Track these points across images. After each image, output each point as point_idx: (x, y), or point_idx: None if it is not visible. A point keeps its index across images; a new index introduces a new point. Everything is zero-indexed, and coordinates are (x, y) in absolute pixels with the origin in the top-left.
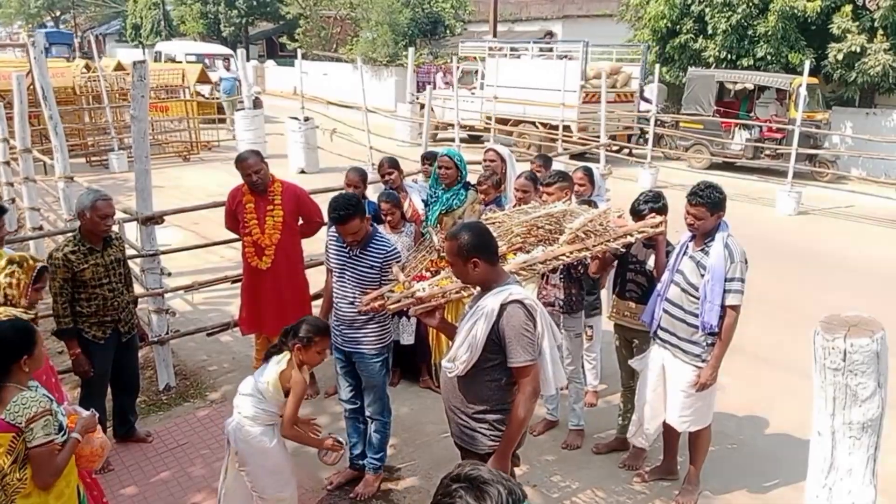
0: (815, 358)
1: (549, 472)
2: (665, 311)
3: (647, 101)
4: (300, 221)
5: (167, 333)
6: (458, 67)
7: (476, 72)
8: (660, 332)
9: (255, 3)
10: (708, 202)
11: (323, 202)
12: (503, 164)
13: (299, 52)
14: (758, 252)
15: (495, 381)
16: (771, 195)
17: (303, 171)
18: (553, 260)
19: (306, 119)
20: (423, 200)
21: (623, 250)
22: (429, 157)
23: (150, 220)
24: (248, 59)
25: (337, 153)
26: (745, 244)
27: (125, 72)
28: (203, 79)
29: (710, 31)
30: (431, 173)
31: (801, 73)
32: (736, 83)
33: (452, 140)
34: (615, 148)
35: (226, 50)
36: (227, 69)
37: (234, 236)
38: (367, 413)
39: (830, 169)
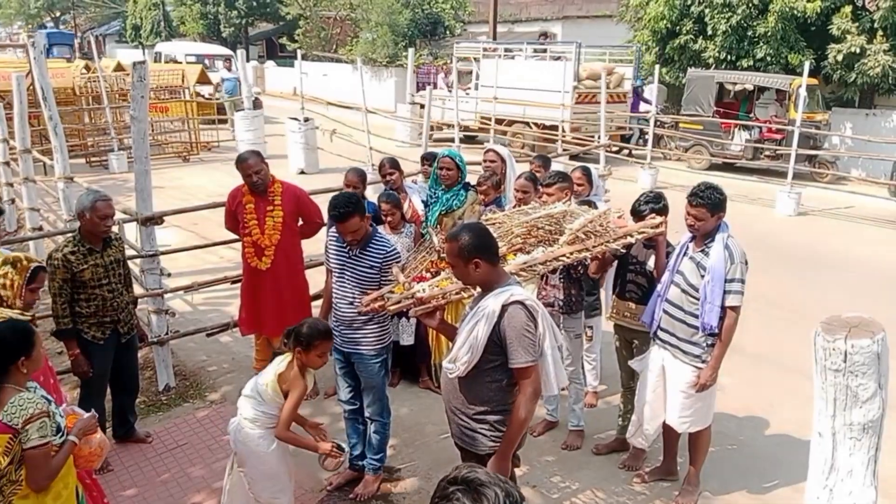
0: (816, 359)
1: (549, 472)
2: (665, 311)
3: (646, 101)
4: (300, 222)
5: (167, 334)
6: (454, 68)
7: (471, 72)
8: (660, 333)
9: (254, 3)
10: (708, 203)
11: (323, 203)
12: (503, 165)
13: (299, 52)
14: (758, 253)
15: (496, 381)
16: (770, 196)
17: (302, 172)
18: (553, 261)
19: (306, 120)
20: (422, 201)
21: (623, 251)
22: (428, 158)
23: (150, 221)
24: (247, 60)
25: (337, 154)
26: (745, 245)
27: (125, 72)
28: (203, 79)
29: (709, 32)
30: (431, 174)
31: (800, 74)
32: (735, 84)
33: (449, 140)
34: (615, 149)
35: (226, 51)
36: (229, 70)
37: (234, 237)
38: (367, 414)
39: (830, 170)
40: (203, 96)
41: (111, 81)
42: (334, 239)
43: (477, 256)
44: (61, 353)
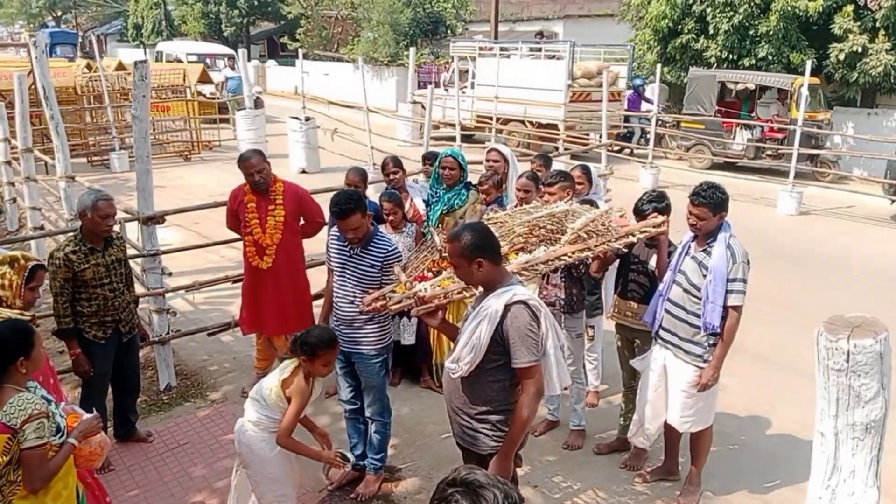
0: (819, 359)
1: (551, 472)
2: (667, 311)
3: (648, 101)
4: (301, 221)
5: (168, 333)
6: (453, 67)
7: (467, 71)
8: (661, 333)
9: (256, 2)
10: (710, 202)
11: (324, 202)
12: (506, 165)
13: (300, 51)
14: (759, 252)
15: (499, 381)
16: (772, 195)
17: (304, 171)
18: (555, 260)
19: (307, 119)
20: (423, 201)
21: (625, 250)
22: (430, 158)
23: (152, 220)
24: (249, 59)
25: (338, 153)
26: (747, 244)
27: (126, 72)
28: (204, 79)
29: (711, 31)
30: (432, 173)
31: (802, 74)
32: (737, 83)
33: (446, 139)
34: (615, 148)
35: (227, 50)
36: (233, 68)
37: (235, 236)
38: (367, 414)
39: (832, 169)
40: (204, 95)
41: (112, 81)
42: (335, 238)
43: (480, 256)
44: (62, 352)
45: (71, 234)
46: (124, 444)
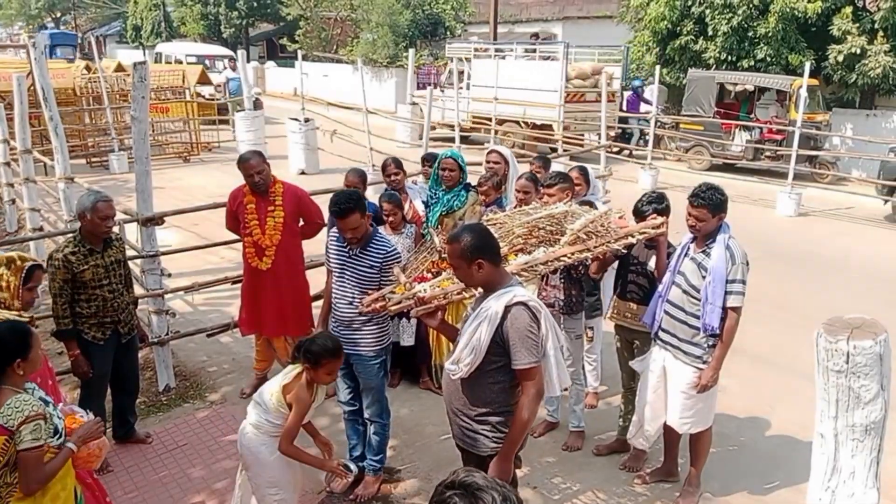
0: (818, 360)
1: (550, 473)
2: (666, 312)
3: (647, 102)
4: (301, 222)
5: (167, 334)
6: (453, 68)
7: (462, 72)
8: (661, 334)
9: (255, 4)
10: (710, 203)
11: (323, 203)
12: (506, 166)
13: (299, 53)
14: (758, 254)
15: (499, 383)
16: (771, 196)
17: (303, 173)
18: (554, 261)
19: (307, 120)
20: (422, 202)
21: (624, 251)
22: (429, 159)
23: (151, 221)
24: (248, 61)
25: (337, 154)
26: (746, 246)
27: (125, 73)
28: (203, 80)
29: (710, 33)
30: (431, 174)
31: (801, 75)
32: (736, 84)
33: (443, 140)
34: (614, 149)
35: (227, 51)
36: (234, 70)
37: (234, 237)
38: (366, 415)
39: (831, 170)
40: (203, 97)
41: (112, 82)
42: (335, 239)
43: (480, 257)
44: (61, 353)
45: (70, 235)
46: (123, 446)
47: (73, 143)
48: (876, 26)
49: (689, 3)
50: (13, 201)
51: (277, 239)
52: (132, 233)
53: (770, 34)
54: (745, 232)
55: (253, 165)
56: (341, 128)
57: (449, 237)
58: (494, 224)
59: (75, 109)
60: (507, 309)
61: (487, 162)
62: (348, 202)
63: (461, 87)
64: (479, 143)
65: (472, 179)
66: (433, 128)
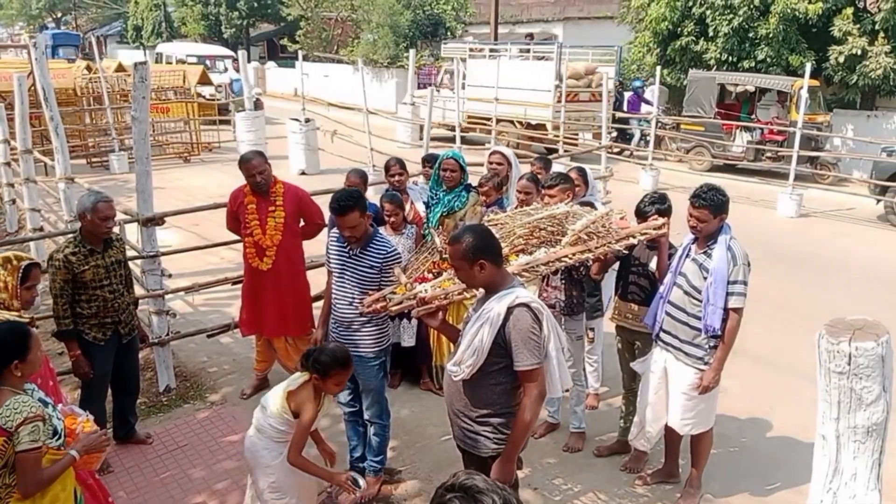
0: (820, 361)
1: (551, 474)
2: (667, 313)
3: (648, 103)
4: (301, 223)
5: (167, 335)
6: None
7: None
8: (662, 335)
9: (256, 4)
10: (711, 204)
11: (324, 204)
12: (508, 167)
13: (300, 53)
14: (759, 254)
15: (500, 384)
16: (772, 197)
17: (303, 173)
18: (556, 261)
19: (307, 120)
20: (424, 203)
21: (625, 252)
22: (430, 160)
23: (151, 222)
24: (249, 61)
25: (338, 155)
26: (746, 246)
27: (126, 73)
28: (204, 80)
29: (711, 34)
30: (432, 175)
31: (802, 76)
32: (737, 85)
33: (440, 140)
34: (616, 150)
35: (227, 51)
36: (237, 70)
37: (235, 237)
38: (366, 416)
39: (832, 171)
40: (204, 97)
41: (112, 82)
42: (335, 239)
43: (482, 258)
44: (62, 353)
45: (70, 235)
46: (123, 446)
47: (74, 144)
48: (877, 27)
49: (690, 3)
50: (13, 201)
51: (278, 239)
52: (133, 233)
53: (771, 35)
54: (745, 233)
55: (255, 165)
56: (342, 128)
57: (451, 238)
58: (496, 225)
59: (76, 109)
60: (510, 310)
61: (490, 163)
62: (348, 200)
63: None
64: (475, 143)
65: (473, 180)
66: (421, 127)
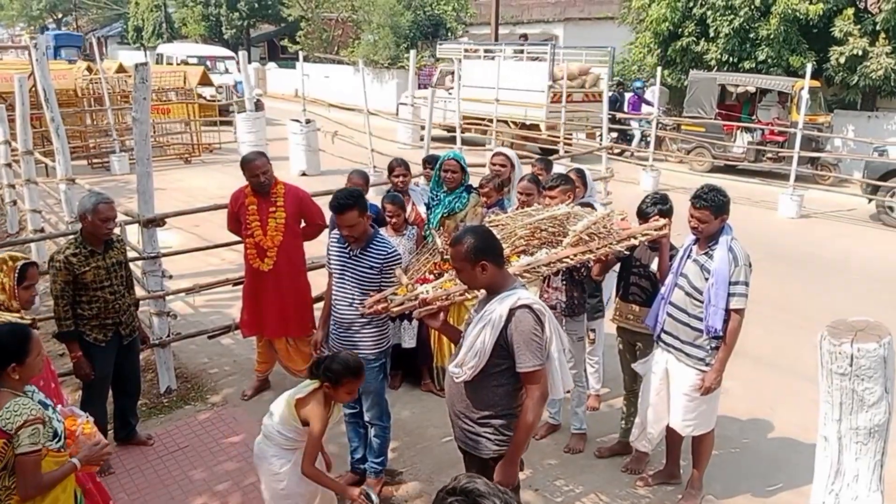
0: (822, 363)
1: (552, 475)
2: (669, 314)
3: (648, 103)
4: (302, 224)
5: (168, 336)
6: (455, 69)
7: (453, 73)
8: (663, 336)
9: (256, 5)
10: (712, 205)
11: (324, 204)
12: (511, 169)
13: (301, 54)
14: (760, 255)
15: (502, 385)
16: (773, 198)
17: (304, 174)
18: (557, 262)
19: (308, 121)
20: (425, 204)
21: (627, 253)
22: (430, 161)
23: (152, 223)
24: (249, 62)
25: (338, 156)
26: (747, 247)
27: (127, 74)
28: (205, 81)
29: (711, 34)
30: (433, 176)
31: (802, 77)
32: (738, 86)
33: (436, 140)
34: (616, 150)
35: (228, 52)
36: (241, 71)
37: (236, 238)
38: (366, 418)
39: (832, 172)
40: (205, 98)
41: (113, 83)
42: (335, 240)
43: (483, 259)
44: (63, 355)
45: (71, 236)
46: (124, 447)
47: (75, 145)
48: (877, 28)
49: (691, 4)
50: (14, 202)
51: (279, 240)
52: (133, 234)
53: (772, 36)
54: (746, 234)
55: (259, 166)
56: (342, 129)
57: (452, 240)
58: (497, 225)
59: (77, 111)
60: (512, 312)
61: (493, 164)
62: (348, 198)
63: (451, 88)
64: (473, 144)
65: (473, 181)
66: (422, 127)
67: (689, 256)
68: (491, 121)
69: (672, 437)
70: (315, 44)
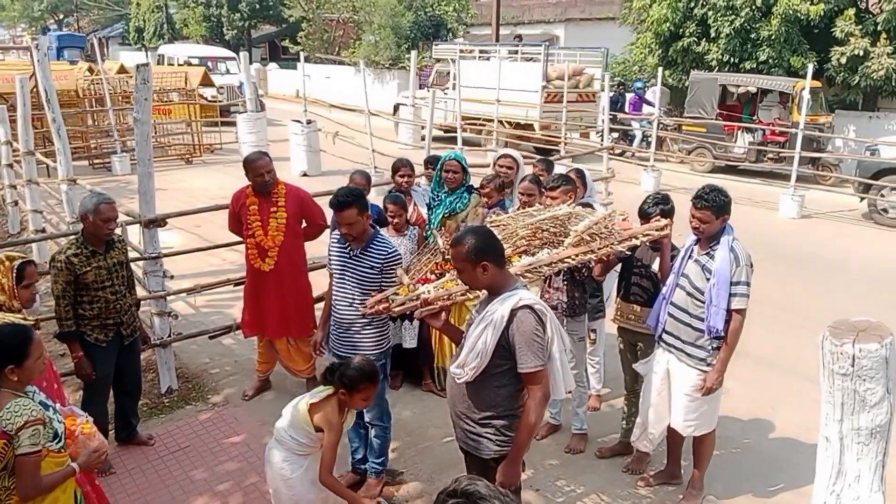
0: (823, 363)
1: (553, 476)
2: (670, 314)
3: (649, 104)
4: (303, 224)
5: (169, 336)
6: (434, 69)
7: (449, 73)
8: (665, 336)
9: (257, 6)
10: (713, 205)
11: (325, 205)
12: (515, 170)
13: (302, 55)
14: (761, 256)
15: (504, 386)
16: (774, 199)
17: (305, 174)
18: (558, 262)
19: (309, 122)
20: (426, 205)
21: (628, 253)
22: (432, 162)
23: (153, 223)
24: (250, 63)
25: (339, 156)
26: (749, 247)
27: (128, 75)
28: (206, 82)
29: (713, 35)
30: (434, 177)
31: (803, 77)
32: (739, 86)
33: (434, 140)
34: (617, 151)
35: (229, 53)
36: None
37: (237, 238)
38: (367, 419)
39: (833, 172)
40: (206, 98)
41: (114, 84)
42: (336, 240)
43: (484, 259)
44: (64, 355)
45: (72, 237)
46: (125, 447)
47: (76, 145)
48: (879, 28)
49: (692, 4)
50: (16, 203)
51: (280, 240)
52: (134, 235)
53: (773, 36)
54: (747, 234)
55: (262, 165)
56: (343, 129)
57: (453, 240)
58: (498, 226)
59: (78, 111)
60: (513, 312)
61: (500, 166)
62: (348, 196)
63: (447, 88)
64: (472, 144)
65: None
66: (422, 127)
67: (690, 257)
68: (487, 121)
69: (673, 437)
70: (316, 44)
